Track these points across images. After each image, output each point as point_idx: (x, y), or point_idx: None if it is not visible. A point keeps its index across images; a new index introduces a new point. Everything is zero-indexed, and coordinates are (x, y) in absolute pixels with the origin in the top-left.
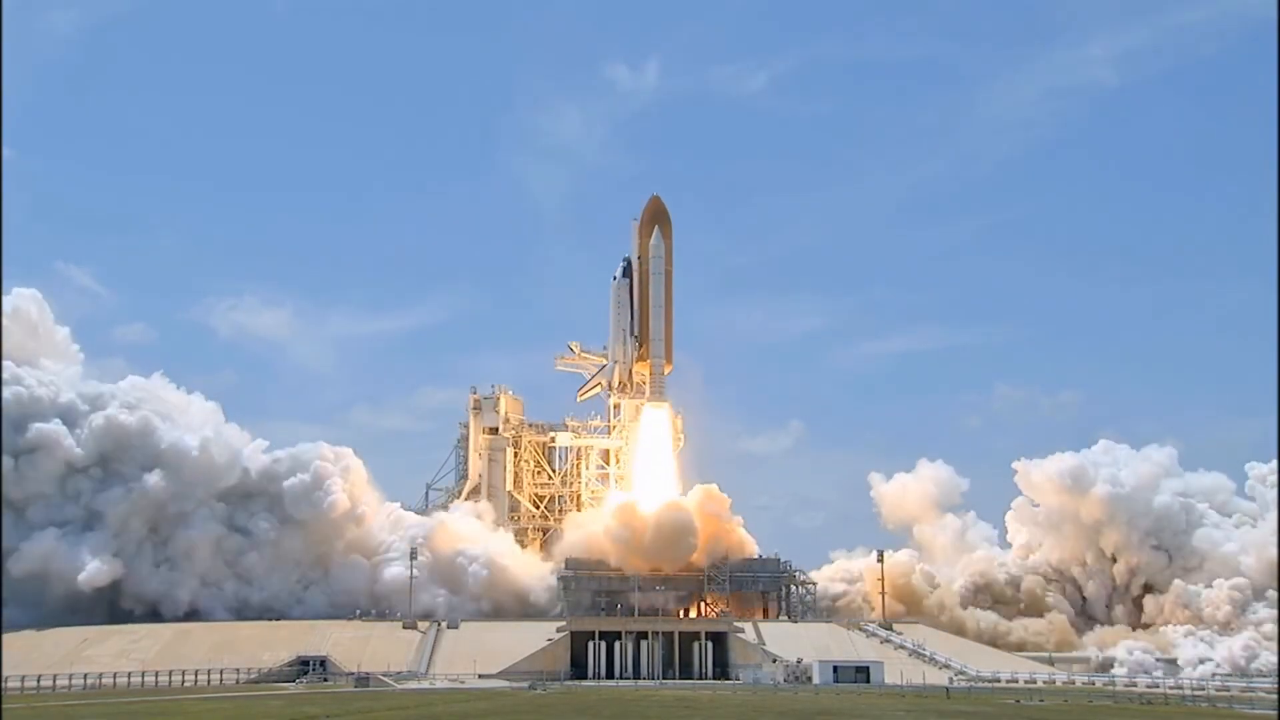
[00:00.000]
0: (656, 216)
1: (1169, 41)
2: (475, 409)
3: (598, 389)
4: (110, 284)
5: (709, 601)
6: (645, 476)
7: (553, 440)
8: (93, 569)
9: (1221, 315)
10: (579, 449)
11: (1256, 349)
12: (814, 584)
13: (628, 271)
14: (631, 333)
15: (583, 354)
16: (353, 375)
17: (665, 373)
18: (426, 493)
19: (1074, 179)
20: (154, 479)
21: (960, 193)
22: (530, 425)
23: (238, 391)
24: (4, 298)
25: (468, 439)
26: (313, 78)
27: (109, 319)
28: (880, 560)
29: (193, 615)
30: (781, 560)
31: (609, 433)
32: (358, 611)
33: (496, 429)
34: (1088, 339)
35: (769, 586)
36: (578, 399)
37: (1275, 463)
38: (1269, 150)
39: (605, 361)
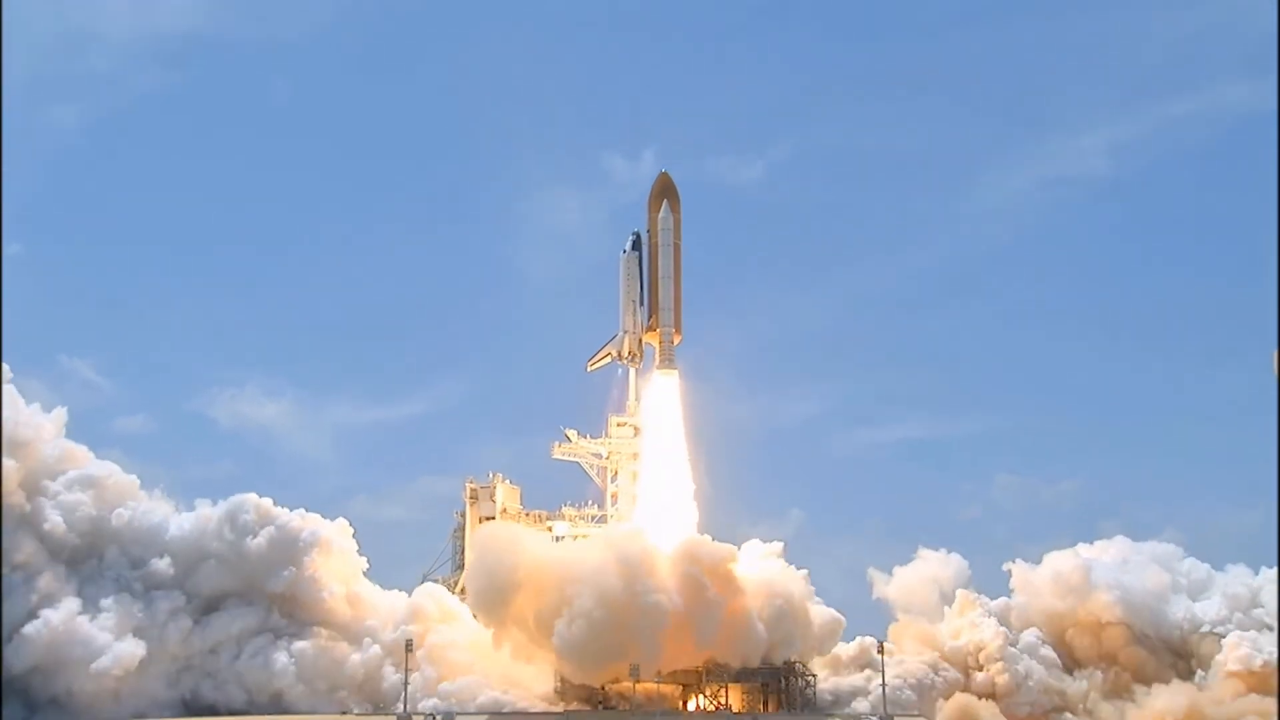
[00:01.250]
0: (665, 191)
1: (1162, 132)
2: (472, 498)
3: (608, 359)
4: (111, 375)
5: (709, 693)
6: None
7: (550, 529)
8: None
9: (1221, 402)
10: (577, 537)
11: (1257, 435)
12: (814, 675)
13: (637, 245)
14: (641, 303)
15: (580, 441)
16: (351, 464)
17: (675, 343)
18: (423, 581)
19: (1070, 267)
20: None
21: (956, 280)
22: (527, 514)
23: (237, 482)
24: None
25: (464, 528)
26: (313, 169)
27: (109, 410)
28: (881, 652)
29: None
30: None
31: (605, 520)
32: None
33: (493, 517)
34: (1088, 426)
35: (768, 678)
36: (587, 369)
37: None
38: (1265, 238)
39: (602, 447)
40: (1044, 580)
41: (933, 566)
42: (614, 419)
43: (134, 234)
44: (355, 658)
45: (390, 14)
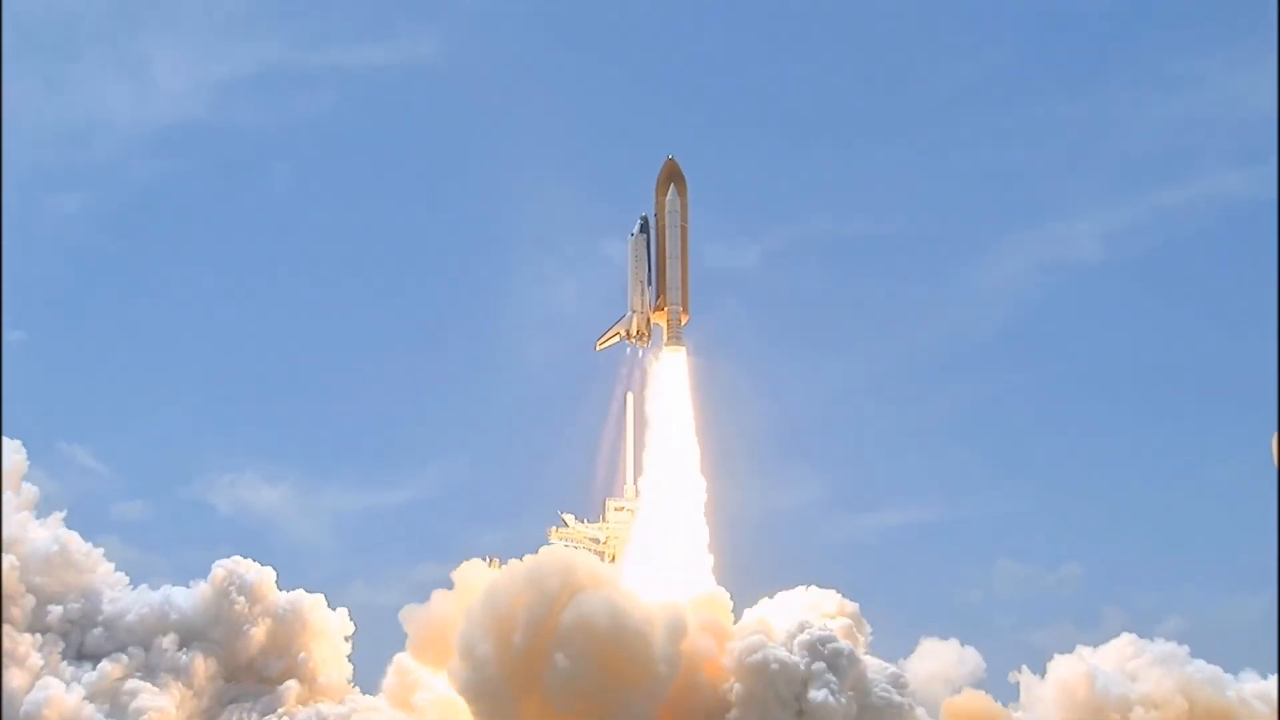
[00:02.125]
0: (672, 176)
1: (1155, 220)
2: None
3: (617, 338)
4: (109, 461)
5: None
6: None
7: None
8: None
9: (1221, 487)
10: None
11: (1258, 521)
12: None
13: (645, 228)
14: (649, 282)
15: (577, 526)
16: (349, 550)
17: (682, 322)
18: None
19: (1065, 353)
20: None
21: (951, 364)
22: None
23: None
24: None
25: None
26: (312, 255)
27: (107, 496)
28: None
29: None
30: None
31: None
32: None
33: None
34: (1089, 511)
35: None
36: (596, 348)
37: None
38: (1262, 326)
39: (600, 532)
40: (1050, 692)
41: (938, 661)
42: (611, 503)
43: (135, 320)
44: None
45: (389, 101)
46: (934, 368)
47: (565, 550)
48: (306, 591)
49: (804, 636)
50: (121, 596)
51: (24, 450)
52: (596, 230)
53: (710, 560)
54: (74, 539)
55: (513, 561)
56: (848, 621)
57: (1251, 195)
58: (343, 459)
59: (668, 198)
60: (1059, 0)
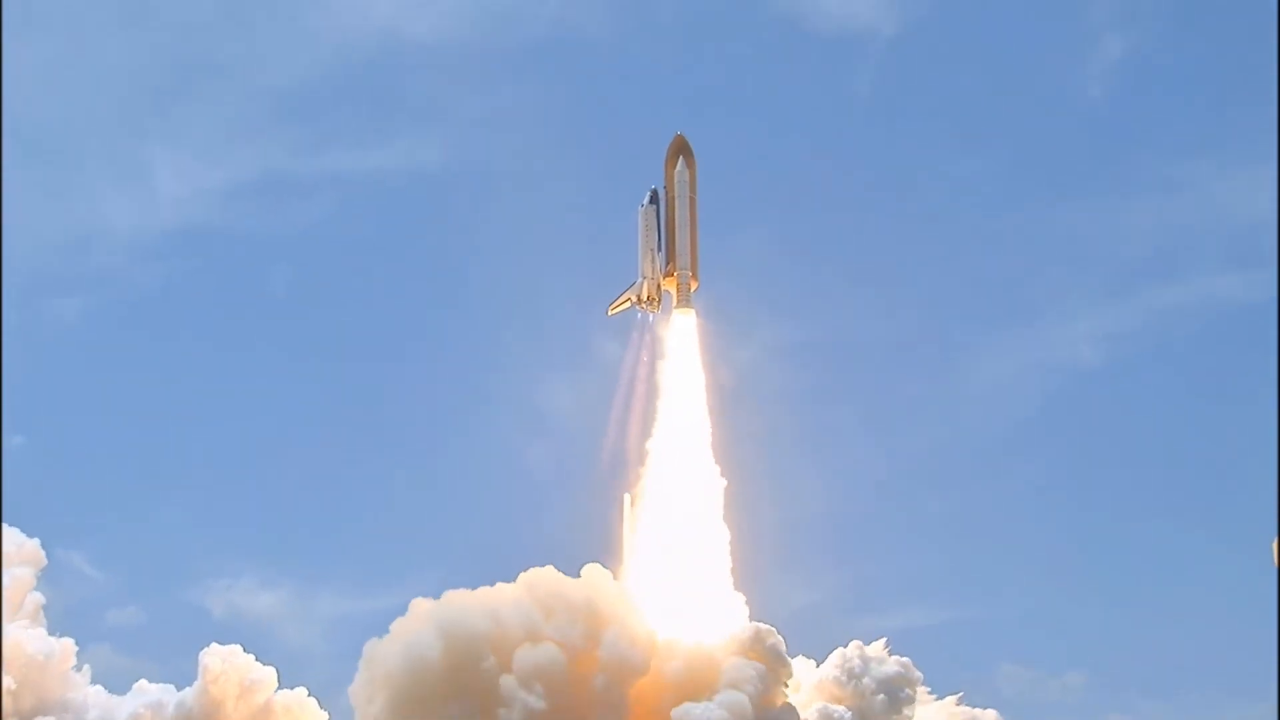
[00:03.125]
0: (681, 149)
1: (1152, 322)
2: None
3: (628, 304)
4: (105, 567)
5: None
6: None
7: None
8: None
9: (1221, 591)
10: None
11: (1258, 625)
12: None
13: (654, 199)
14: (659, 249)
15: None
16: (344, 655)
17: (692, 289)
18: None
19: (1062, 455)
20: None
21: (949, 467)
22: None
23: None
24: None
25: None
26: (311, 358)
27: (102, 602)
28: None
29: None
30: None
31: None
32: None
33: None
34: (1090, 616)
35: None
36: (608, 313)
37: None
38: (1260, 429)
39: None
40: None
41: None
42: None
43: (134, 425)
44: None
45: (390, 206)
46: (931, 470)
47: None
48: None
49: None
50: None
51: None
52: (590, 330)
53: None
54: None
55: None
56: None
57: (1249, 299)
58: (336, 564)
59: (676, 169)
60: (1051, 102)
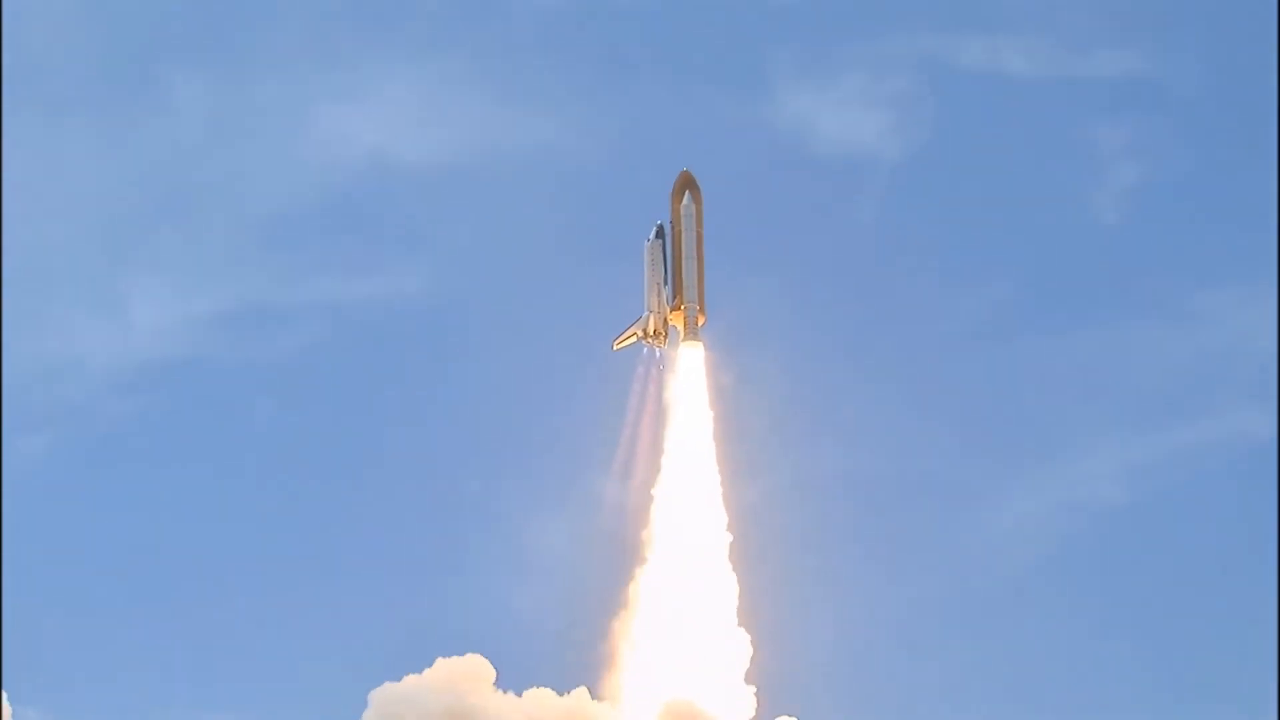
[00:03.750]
0: (687, 185)
1: (1176, 459)
2: None
3: (633, 338)
4: None
5: None
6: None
7: None
8: None
9: None
10: None
11: None
12: None
13: (660, 234)
14: (665, 282)
15: None
16: None
17: (699, 324)
18: None
19: (1084, 595)
20: None
21: (965, 608)
22: None
23: None
24: None
25: None
26: (294, 493)
27: None
28: None
29: None
30: None
31: None
32: None
33: None
34: None
35: None
36: (613, 347)
37: None
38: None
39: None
40: None
41: None
42: None
43: (102, 567)
44: None
45: (375, 335)
46: (950, 611)
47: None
48: None
49: None
50: None
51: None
52: (583, 471)
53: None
54: None
55: None
56: None
57: (1273, 435)
58: (322, 705)
59: (683, 203)
60: (1064, 229)
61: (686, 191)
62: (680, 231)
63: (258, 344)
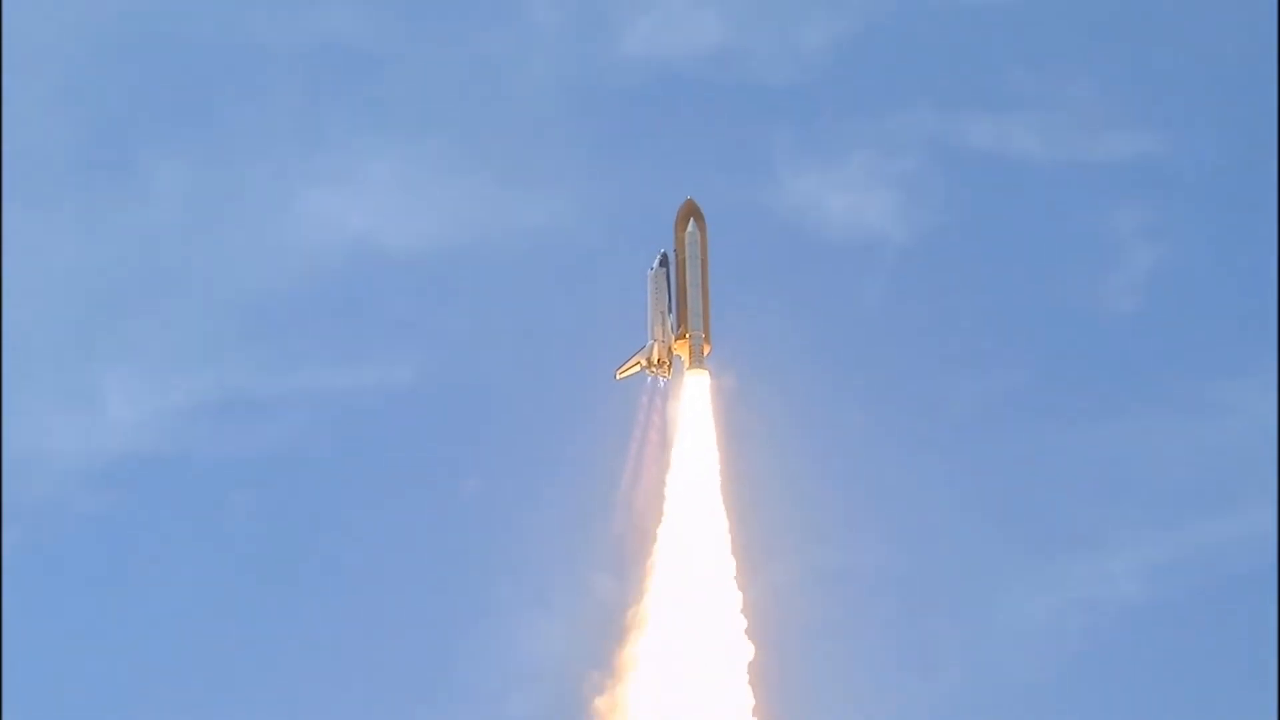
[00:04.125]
0: (691, 213)
1: (1195, 556)
2: None
3: (637, 368)
4: None
5: None
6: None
7: None
8: None
9: None
10: None
11: None
12: None
13: (664, 263)
14: (669, 311)
15: None
16: None
17: (705, 353)
18: None
19: (1102, 697)
20: None
21: (975, 711)
22: None
23: None
24: None
25: None
26: (274, 593)
27: None
28: None
29: None
30: None
31: None
32: None
33: None
34: None
35: None
36: (616, 377)
37: None
38: None
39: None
40: None
41: None
42: None
43: (69, 669)
44: None
45: (363, 428)
46: (962, 712)
47: None
48: None
49: None
50: None
51: None
52: (585, 564)
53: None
54: None
55: None
56: None
57: None
58: None
59: (687, 231)
60: (1078, 316)
61: (691, 219)
62: (685, 259)
63: (237, 437)
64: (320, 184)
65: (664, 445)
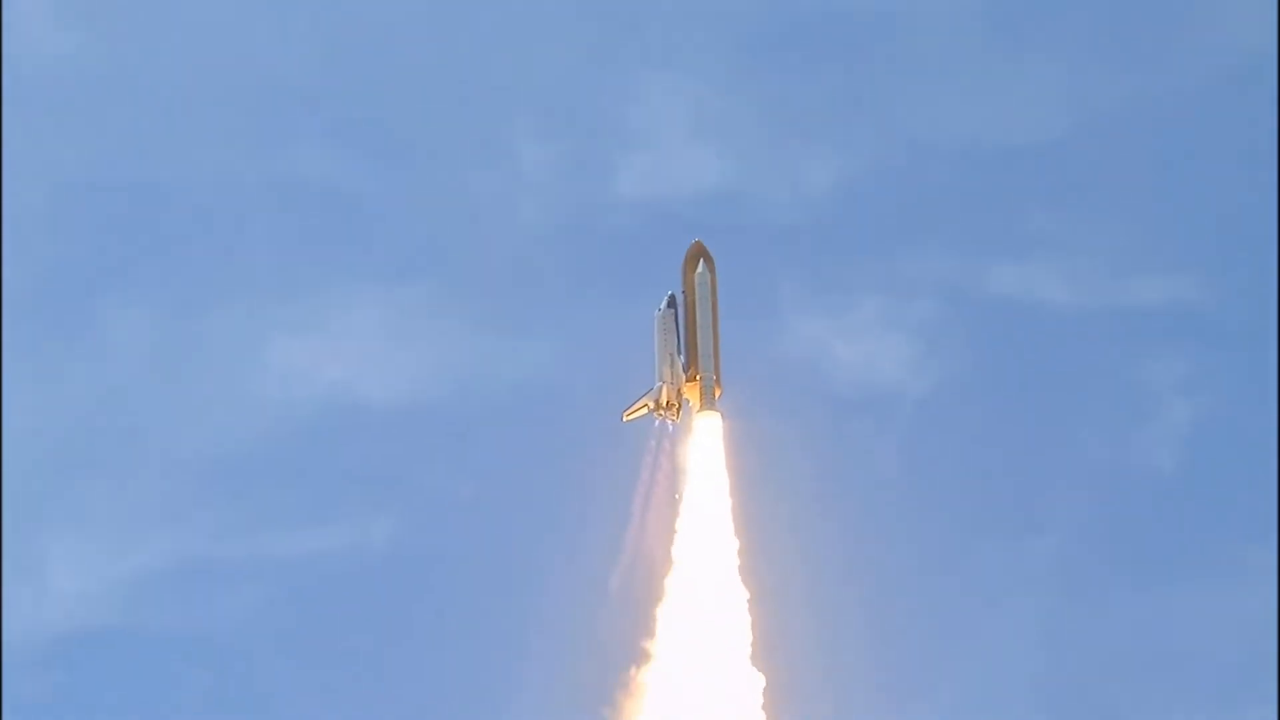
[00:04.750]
0: (700, 254)
1: None
2: None
3: (644, 410)
4: None
5: None
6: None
7: None
8: None
9: None
10: None
11: None
12: None
13: (672, 304)
14: (679, 352)
15: None
16: None
17: (715, 395)
18: None
19: None
20: None
21: None
22: None
23: None
24: None
25: None
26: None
27: None
28: None
29: None
30: None
31: None
32: None
33: None
34: None
35: None
36: (623, 419)
37: None
38: None
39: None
40: None
41: None
42: None
43: None
44: None
45: (333, 594)
46: None
47: None
48: None
49: None
50: None
51: None
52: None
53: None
54: None
55: None
56: None
57: None
58: None
59: (698, 272)
60: (1119, 477)
61: (700, 260)
62: (694, 300)
63: (193, 608)
64: (293, 332)
65: (673, 498)
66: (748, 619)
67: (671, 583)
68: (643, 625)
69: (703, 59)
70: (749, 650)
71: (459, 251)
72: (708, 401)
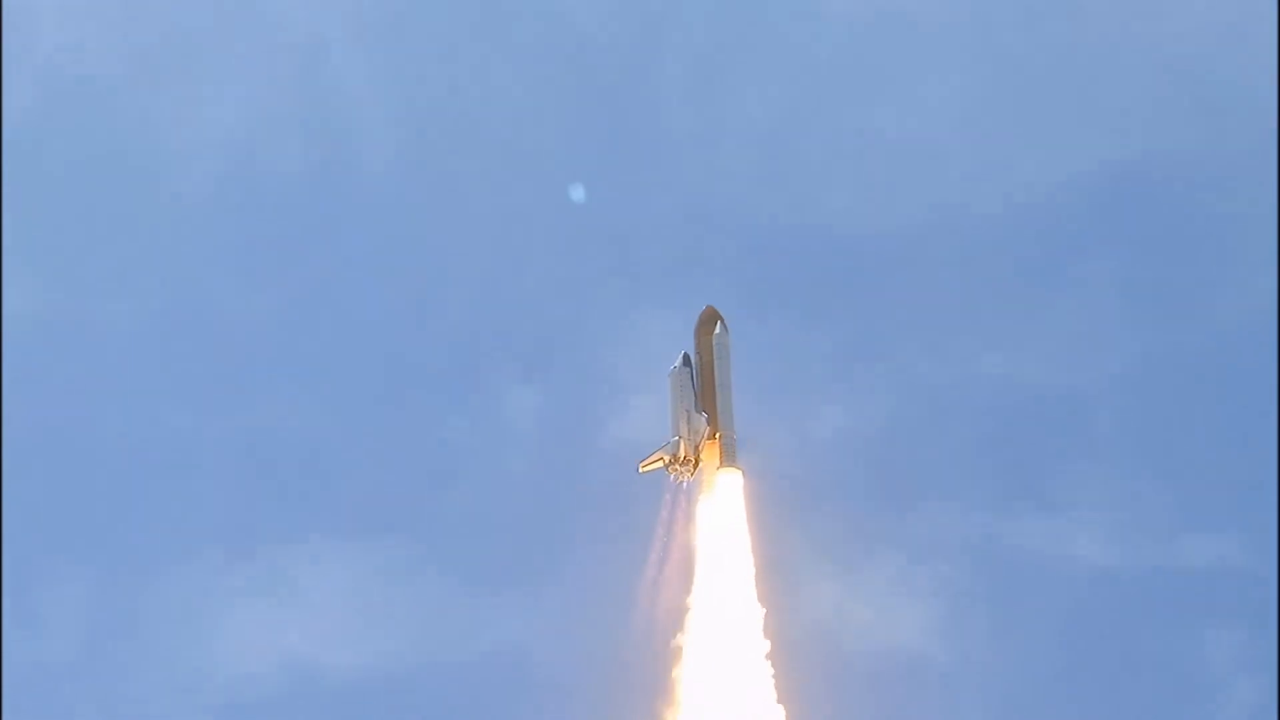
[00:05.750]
0: (714, 317)
1: None
2: None
3: (659, 463)
4: None
5: None
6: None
7: None
8: None
9: None
10: None
11: None
12: None
13: (687, 362)
14: (697, 409)
15: None
16: None
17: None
18: None
19: None
20: None
21: None
22: None
23: None
24: None
25: None
26: None
27: None
28: None
29: None
30: None
31: None
32: None
33: None
34: None
35: None
36: (640, 469)
37: None
38: None
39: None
40: None
41: None
42: None
43: None
44: None
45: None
46: None
47: None
48: None
49: None
50: None
51: None
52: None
53: None
54: None
55: None
56: None
57: None
58: None
59: (715, 333)
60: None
61: (717, 322)
62: (713, 360)
63: None
64: (249, 596)
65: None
66: None
67: None
68: None
69: (698, 301)
70: None
71: (434, 506)
72: (729, 459)
